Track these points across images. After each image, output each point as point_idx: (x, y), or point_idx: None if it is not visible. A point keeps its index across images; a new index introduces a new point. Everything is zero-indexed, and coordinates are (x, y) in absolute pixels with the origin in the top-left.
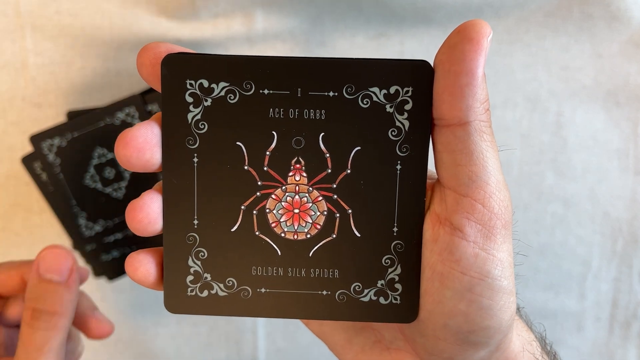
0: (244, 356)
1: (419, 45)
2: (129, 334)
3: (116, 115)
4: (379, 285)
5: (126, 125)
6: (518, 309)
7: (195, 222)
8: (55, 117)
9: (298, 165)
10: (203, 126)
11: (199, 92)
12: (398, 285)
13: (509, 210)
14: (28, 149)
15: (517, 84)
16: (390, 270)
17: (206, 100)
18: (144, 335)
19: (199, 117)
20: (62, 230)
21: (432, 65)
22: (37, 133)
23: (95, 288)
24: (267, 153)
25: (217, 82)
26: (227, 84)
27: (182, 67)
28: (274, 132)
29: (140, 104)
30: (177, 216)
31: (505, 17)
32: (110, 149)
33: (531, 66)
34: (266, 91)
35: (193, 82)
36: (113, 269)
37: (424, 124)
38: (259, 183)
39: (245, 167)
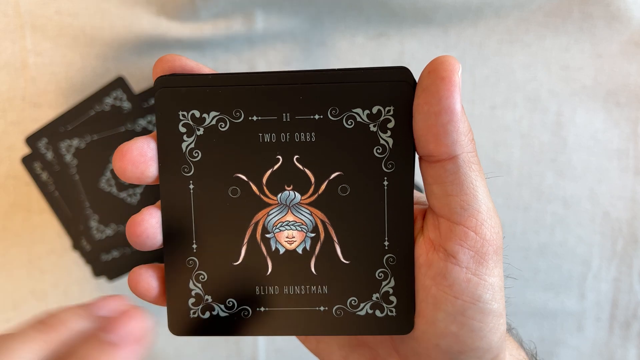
0: (244, 356)
1: (419, 45)
2: None
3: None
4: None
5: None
6: (509, 328)
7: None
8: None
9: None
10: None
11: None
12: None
13: (500, 236)
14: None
15: (517, 84)
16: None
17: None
18: None
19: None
20: (62, 230)
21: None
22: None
23: (95, 288)
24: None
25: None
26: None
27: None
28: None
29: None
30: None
31: (505, 17)
32: None
33: (531, 66)
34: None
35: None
36: (113, 269)
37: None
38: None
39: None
